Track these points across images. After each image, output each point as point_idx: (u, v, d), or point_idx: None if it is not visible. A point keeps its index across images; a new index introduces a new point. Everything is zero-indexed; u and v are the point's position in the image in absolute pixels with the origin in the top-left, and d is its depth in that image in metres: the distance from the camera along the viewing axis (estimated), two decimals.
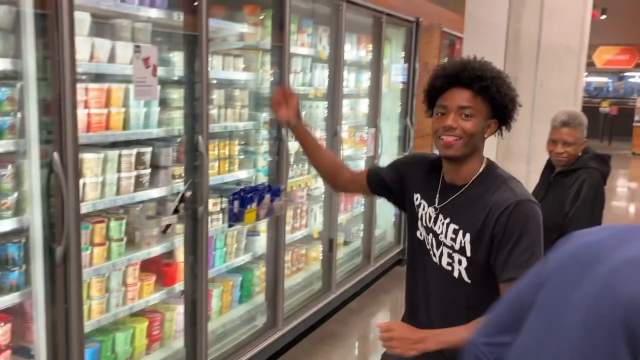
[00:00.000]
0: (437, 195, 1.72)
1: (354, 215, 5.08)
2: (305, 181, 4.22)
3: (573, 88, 4.74)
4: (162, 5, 2.77)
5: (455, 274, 1.67)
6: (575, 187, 2.75)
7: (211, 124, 3.20)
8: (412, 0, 5.40)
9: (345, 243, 5.11)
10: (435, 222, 1.71)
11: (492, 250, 1.60)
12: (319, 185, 4.44)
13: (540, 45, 4.78)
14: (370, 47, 4.87)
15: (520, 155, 4.75)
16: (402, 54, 5.46)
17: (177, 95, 2.93)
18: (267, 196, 3.16)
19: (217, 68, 3.22)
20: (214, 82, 3.31)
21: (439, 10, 6.17)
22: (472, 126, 1.61)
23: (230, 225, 3.09)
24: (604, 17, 15.81)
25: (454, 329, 1.61)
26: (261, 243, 3.70)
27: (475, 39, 5.01)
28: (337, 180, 2.05)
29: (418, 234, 1.80)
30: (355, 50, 4.80)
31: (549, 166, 2.99)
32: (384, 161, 5.37)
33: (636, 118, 17.13)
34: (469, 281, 1.65)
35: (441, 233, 1.69)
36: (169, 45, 2.98)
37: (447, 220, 1.68)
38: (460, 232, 1.64)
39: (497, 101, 1.63)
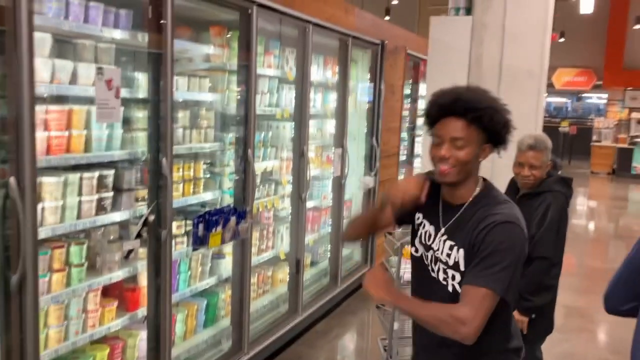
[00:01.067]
0: (440, 216, 1.80)
1: (321, 236, 5.07)
2: (271, 202, 4.19)
3: (534, 110, 4.85)
4: (127, 26, 2.74)
5: (450, 288, 1.75)
6: (541, 210, 2.82)
7: (176, 145, 3.16)
8: (377, 24, 5.48)
9: (313, 264, 5.08)
10: (433, 240, 1.81)
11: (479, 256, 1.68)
12: (285, 206, 4.42)
13: (502, 69, 4.89)
14: (336, 68, 4.90)
15: (483, 175, 4.81)
16: (368, 75, 5.51)
17: (141, 115, 2.88)
18: (233, 219, 3.12)
19: (182, 89, 3.19)
20: (180, 102, 3.27)
21: (403, 33, 6.28)
22: (465, 155, 1.69)
23: (194, 249, 3.04)
24: (562, 40, 16.36)
25: (421, 302, 1.75)
26: (227, 266, 3.64)
27: (438, 61, 5.09)
28: (365, 234, 2.14)
29: (413, 250, 1.91)
30: (322, 72, 4.83)
31: (513, 188, 3.03)
32: (351, 181, 5.41)
33: (594, 138, 17.67)
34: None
35: (438, 249, 1.79)
36: (134, 65, 2.94)
37: (445, 237, 1.77)
38: (455, 247, 1.73)
39: (490, 129, 1.70)
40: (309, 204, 4.79)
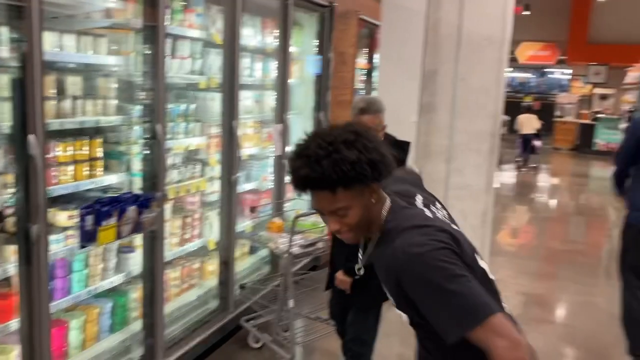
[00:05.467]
0: (360, 253, 1.75)
1: (262, 221, 4.56)
2: (197, 185, 3.65)
3: (494, 82, 4.40)
4: None
5: (404, 317, 1.64)
6: None
7: (62, 119, 2.61)
8: None
9: (253, 251, 4.59)
10: None
11: (417, 306, 1.49)
12: (215, 189, 3.88)
13: (461, 36, 4.41)
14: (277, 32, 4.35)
15: (439, 154, 4.37)
16: (316, 42, 4.97)
17: (4, 82, 2.29)
18: (132, 208, 2.59)
19: (69, 49, 2.61)
20: (68, 66, 2.70)
21: None
22: (353, 217, 1.51)
23: (82, 246, 2.50)
24: (527, 12, 16.00)
25: None
26: (137, 260, 3.11)
27: (393, 26, 4.58)
28: None
29: None
30: (261, 36, 4.27)
31: None
32: None
33: (557, 113, 17.52)
34: (409, 320, 1.62)
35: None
36: None
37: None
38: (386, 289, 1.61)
39: (352, 181, 1.44)
40: (247, 186, 4.29)
